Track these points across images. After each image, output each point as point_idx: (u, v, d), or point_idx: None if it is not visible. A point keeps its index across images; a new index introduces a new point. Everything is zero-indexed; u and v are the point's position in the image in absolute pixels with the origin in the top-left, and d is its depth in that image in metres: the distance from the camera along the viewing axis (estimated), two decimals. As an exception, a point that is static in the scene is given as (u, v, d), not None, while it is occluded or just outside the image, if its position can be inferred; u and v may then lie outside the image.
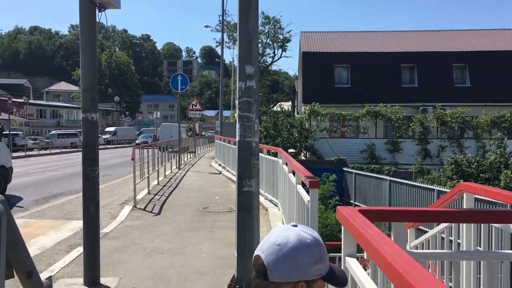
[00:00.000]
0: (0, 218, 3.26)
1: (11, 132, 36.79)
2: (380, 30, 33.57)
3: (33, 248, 6.53)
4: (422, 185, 14.23)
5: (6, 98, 40.95)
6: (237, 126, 4.40)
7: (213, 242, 6.82)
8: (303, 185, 4.88)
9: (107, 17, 5.00)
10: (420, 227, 6.39)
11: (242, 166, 4.36)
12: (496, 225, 2.97)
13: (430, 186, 13.77)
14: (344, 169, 19.53)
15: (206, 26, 40.50)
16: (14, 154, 31.60)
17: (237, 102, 4.45)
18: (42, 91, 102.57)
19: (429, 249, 4.11)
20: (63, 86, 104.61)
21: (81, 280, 4.92)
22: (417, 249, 4.38)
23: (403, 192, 14.58)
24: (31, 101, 67.86)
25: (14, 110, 51.83)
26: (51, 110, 72.73)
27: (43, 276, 4.45)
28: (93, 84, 4.99)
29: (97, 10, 4.81)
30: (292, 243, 1.13)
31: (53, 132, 52.23)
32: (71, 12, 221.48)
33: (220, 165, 19.12)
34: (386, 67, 27.23)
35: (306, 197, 4.42)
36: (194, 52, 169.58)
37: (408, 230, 4.92)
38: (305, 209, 4.49)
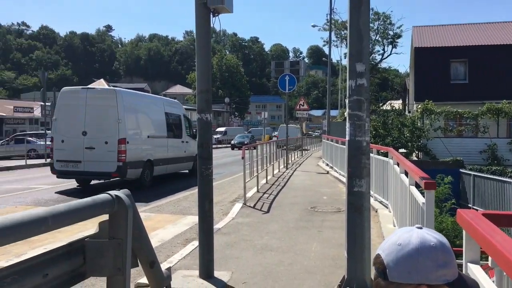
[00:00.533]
0: (127, 211, 3.56)
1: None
2: (499, 21, 30.81)
3: (154, 240, 7.00)
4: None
5: (129, 101, 44.41)
6: (347, 125, 4.33)
7: (321, 241, 6.79)
8: (417, 186, 4.67)
9: (220, 22, 5.21)
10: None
11: (352, 166, 4.29)
12: None
13: None
14: (461, 170, 18.30)
15: (313, 26, 40.45)
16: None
17: (347, 101, 4.39)
18: (159, 94, 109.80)
19: None
20: (178, 89, 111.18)
21: (197, 272, 5.18)
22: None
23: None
24: (150, 103, 72.69)
25: (136, 112, 55.96)
26: (167, 112, 77.22)
27: (163, 267, 4.77)
28: (208, 86, 5.23)
29: (211, 15, 5.03)
30: (414, 244, 1.09)
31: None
32: (186, 19, 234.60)
33: (327, 165, 18.97)
34: (508, 60, 24.98)
35: (420, 199, 4.22)
36: (301, 52, 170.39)
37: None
38: (419, 211, 4.29)
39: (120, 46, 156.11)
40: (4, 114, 41.35)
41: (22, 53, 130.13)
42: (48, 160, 24.45)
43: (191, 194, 11.95)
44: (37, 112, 40.50)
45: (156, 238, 7.24)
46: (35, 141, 31.20)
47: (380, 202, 9.37)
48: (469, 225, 1.95)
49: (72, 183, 14.23)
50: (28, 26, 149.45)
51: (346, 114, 4.63)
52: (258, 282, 5.03)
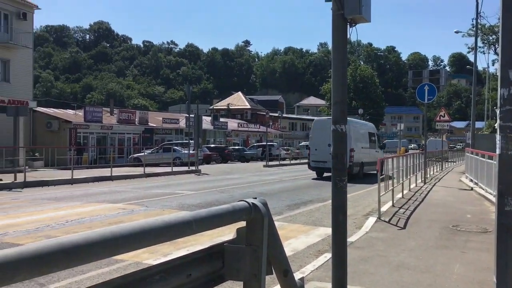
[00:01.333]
0: (263, 219, 3.67)
1: (268, 143, 41.11)
2: None
3: (286, 249, 7.06)
4: None
5: (265, 113, 46.00)
6: (498, 137, 3.95)
7: (465, 263, 6.26)
8: None
9: (357, 32, 5.14)
10: None
11: (503, 182, 3.89)
12: None
13: None
14: None
15: (457, 32, 37.94)
16: (270, 163, 35.24)
17: (497, 111, 4.01)
18: (293, 106, 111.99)
19: None
20: (311, 100, 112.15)
21: (330, 285, 5.12)
22: None
23: None
24: (285, 115, 74.59)
25: (270, 123, 57.89)
26: (301, 123, 78.69)
27: (296, 276, 4.81)
28: (343, 97, 5.19)
29: (348, 25, 4.99)
30: None
31: (303, 143, 56.23)
32: (320, 31, 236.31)
33: (471, 180, 17.52)
34: None
35: None
36: (441, 61, 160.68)
37: None
38: None
39: (256, 60, 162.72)
40: (155, 125, 45.58)
41: (170, 69, 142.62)
42: (192, 167, 26.37)
43: (323, 206, 11.90)
44: (182, 123, 44.00)
45: (289, 247, 7.32)
46: (180, 150, 33.88)
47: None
48: None
49: (212, 190, 15.11)
50: (176, 44, 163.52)
51: (496, 125, 4.23)
52: (394, 301, 4.80)
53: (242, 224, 3.66)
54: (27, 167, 21.35)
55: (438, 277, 5.65)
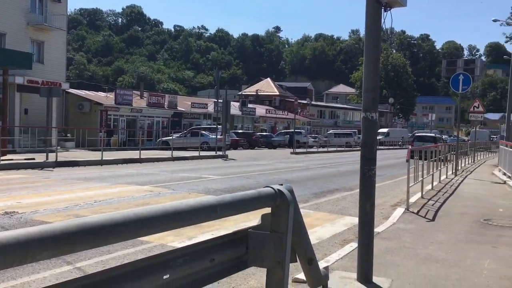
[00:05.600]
0: (289, 206, 3.60)
1: (295, 130, 40.93)
2: None
3: (311, 237, 6.97)
4: None
5: (293, 100, 45.75)
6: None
7: (496, 259, 6.07)
8: None
9: (392, 16, 4.97)
10: None
11: (542, 177, 3.72)
12: None
13: None
14: None
15: (495, 20, 36.62)
16: (297, 150, 35.07)
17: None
18: (322, 93, 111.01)
19: None
20: (341, 88, 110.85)
21: (354, 275, 5.04)
22: None
23: None
24: (313, 102, 74.04)
25: (299, 110, 57.55)
26: (329, 111, 78.02)
27: (320, 265, 4.74)
28: (375, 85, 5.05)
29: (382, 10, 4.83)
30: None
31: (331, 131, 55.81)
32: (352, 18, 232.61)
33: (504, 174, 17.01)
34: None
35: None
36: (477, 50, 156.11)
37: None
38: None
39: (287, 46, 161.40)
40: (184, 109, 45.88)
41: (200, 54, 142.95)
42: (219, 152, 26.46)
43: (350, 195, 11.75)
44: (211, 108, 44.16)
45: (314, 235, 7.25)
46: (208, 134, 34.04)
47: None
48: None
49: (238, 176, 15.12)
50: (206, 29, 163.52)
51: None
52: (420, 294, 4.69)
53: (268, 210, 3.61)
54: (58, 147, 21.83)
55: (468, 272, 5.50)
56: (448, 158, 17.65)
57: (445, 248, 6.60)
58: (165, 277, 2.70)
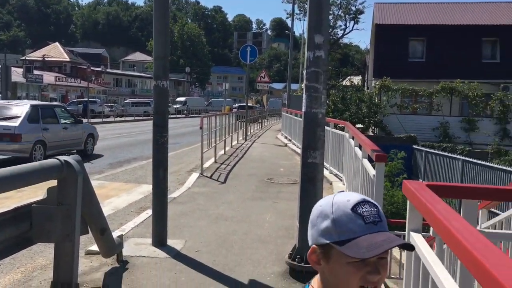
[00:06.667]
0: (77, 177, 3.47)
1: (90, 99, 38.77)
2: (460, 1, 31.46)
3: (107, 208, 6.92)
4: (498, 166, 13.46)
5: (86, 67, 43.11)
6: (304, 96, 4.34)
7: (276, 212, 6.89)
8: (370, 159, 4.78)
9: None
10: (493, 209, 6.07)
11: (307, 137, 4.32)
12: None
13: (507, 168, 12.99)
14: (414, 146, 18.87)
15: (277, -3, 40.02)
16: (92, 120, 33.36)
17: (304, 72, 4.39)
18: (118, 61, 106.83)
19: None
20: (138, 56, 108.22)
21: (150, 240, 5.16)
22: (488, 231, 4.16)
23: (477, 173, 13.87)
24: (109, 70, 70.86)
25: (93, 79, 54.49)
26: (126, 79, 75.71)
27: (115, 234, 4.72)
28: (165, 52, 5.11)
29: (169, -22, 4.87)
30: (316, 206, 1.08)
31: (128, 100, 54.40)
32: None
33: (286, 137, 19.14)
34: (465, 41, 25.63)
35: (371, 172, 4.32)
36: (264, 24, 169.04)
37: (480, 211, 4.69)
38: (370, 183, 4.40)
39: (77, 8, 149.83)
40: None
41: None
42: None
43: (147, 163, 11.78)
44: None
45: (109, 206, 7.14)
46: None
47: (335, 175, 9.58)
48: (413, 195, 2.01)
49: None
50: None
51: (303, 86, 4.64)
52: (212, 251, 5.06)
53: (55, 183, 3.42)
54: None
55: (253, 226, 6.12)
56: (240, 126, 19.01)
57: (234, 207, 7.20)
58: None
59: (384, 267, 1.02)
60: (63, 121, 12.51)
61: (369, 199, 1.05)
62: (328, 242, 1.01)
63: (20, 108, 11.46)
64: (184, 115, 49.81)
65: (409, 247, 1.03)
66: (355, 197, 1.03)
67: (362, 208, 1.01)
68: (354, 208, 1.00)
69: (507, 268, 1.03)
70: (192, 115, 53.22)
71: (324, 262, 1.04)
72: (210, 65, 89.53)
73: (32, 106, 11.64)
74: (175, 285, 4.11)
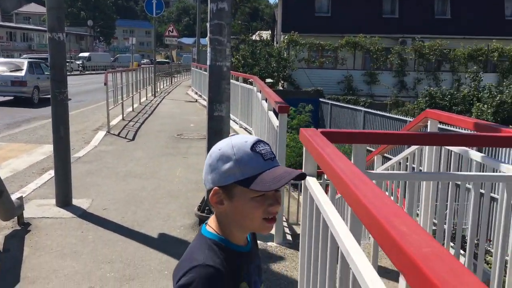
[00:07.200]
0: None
1: (-21, 55, 35.44)
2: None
3: (5, 170, 6.52)
4: (396, 116, 14.46)
5: (-28, 19, 38.94)
6: (208, 50, 4.32)
7: (186, 167, 6.91)
8: (275, 111, 4.91)
9: None
10: (387, 155, 6.58)
11: (213, 91, 4.33)
12: (455, 149, 3.07)
13: (403, 117, 14.01)
14: (321, 99, 19.62)
15: None
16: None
17: (208, 25, 4.34)
18: (11, 13, 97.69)
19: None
20: (33, 7, 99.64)
21: (53, 201, 4.97)
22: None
23: (377, 123, 14.82)
24: (1, 23, 64.91)
25: (-18, 32, 49.65)
26: (21, 33, 69.87)
27: (14, 196, 4.49)
28: (59, 2, 4.78)
29: None
30: (213, 150, 1.13)
31: (24, 56, 50.35)
32: None
33: (196, 93, 18.96)
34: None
35: (276, 123, 4.46)
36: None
37: (375, 157, 5.06)
38: (274, 134, 4.55)
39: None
40: None
41: None
42: None
43: (49, 122, 11.12)
44: None
45: (7, 168, 6.74)
46: None
47: (245, 129, 9.73)
48: (308, 141, 2.12)
49: None
50: None
51: (207, 39, 4.60)
52: (120, 208, 5.00)
53: None
54: None
55: (162, 181, 6.11)
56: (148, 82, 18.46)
57: (143, 163, 7.11)
58: None
59: (280, 199, 1.13)
60: (46, 72, 14.82)
61: (262, 139, 1.14)
62: (232, 181, 1.07)
63: (21, 63, 16.69)
64: (88, 72, 47.19)
65: (303, 176, 1.13)
66: (250, 138, 1.12)
67: (259, 147, 1.09)
68: (253, 147, 1.09)
69: (376, 197, 1.16)
70: (95, 72, 50.65)
71: (227, 202, 1.10)
72: (115, 18, 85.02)
73: (29, 62, 16.85)
74: (82, 244, 4.04)
